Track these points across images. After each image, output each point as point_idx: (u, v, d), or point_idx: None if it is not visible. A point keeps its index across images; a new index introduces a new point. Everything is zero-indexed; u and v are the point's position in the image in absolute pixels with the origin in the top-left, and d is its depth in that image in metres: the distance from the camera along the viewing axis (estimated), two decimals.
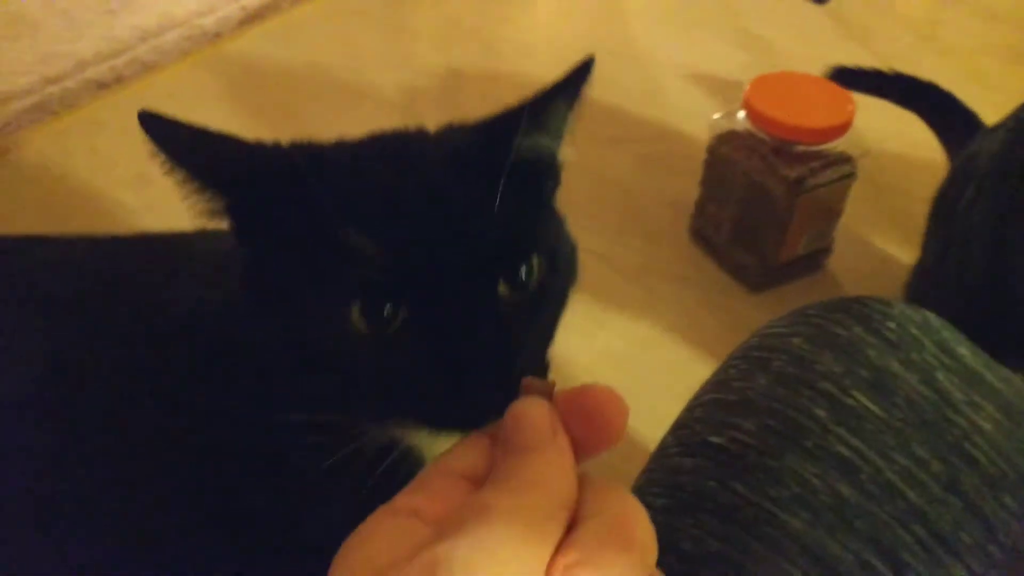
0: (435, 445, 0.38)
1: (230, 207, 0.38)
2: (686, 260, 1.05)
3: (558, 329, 0.45)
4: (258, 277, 0.39)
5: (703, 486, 0.44)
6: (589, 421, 0.28)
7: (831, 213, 0.97)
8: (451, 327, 0.34)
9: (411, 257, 0.35)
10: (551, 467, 0.26)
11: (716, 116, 0.97)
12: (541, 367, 0.40)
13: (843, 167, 0.92)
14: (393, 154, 0.42)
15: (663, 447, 0.50)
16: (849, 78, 1.06)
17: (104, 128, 1.21)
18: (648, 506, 0.45)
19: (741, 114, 0.93)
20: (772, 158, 0.90)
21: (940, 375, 0.46)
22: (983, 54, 1.46)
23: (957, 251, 0.78)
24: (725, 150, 0.95)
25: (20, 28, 1.27)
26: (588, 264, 1.05)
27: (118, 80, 1.36)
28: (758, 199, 0.93)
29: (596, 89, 1.48)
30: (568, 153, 0.49)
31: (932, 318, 0.50)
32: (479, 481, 0.27)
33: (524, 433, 0.27)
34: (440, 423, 0.36)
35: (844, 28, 1.52)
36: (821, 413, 0.44)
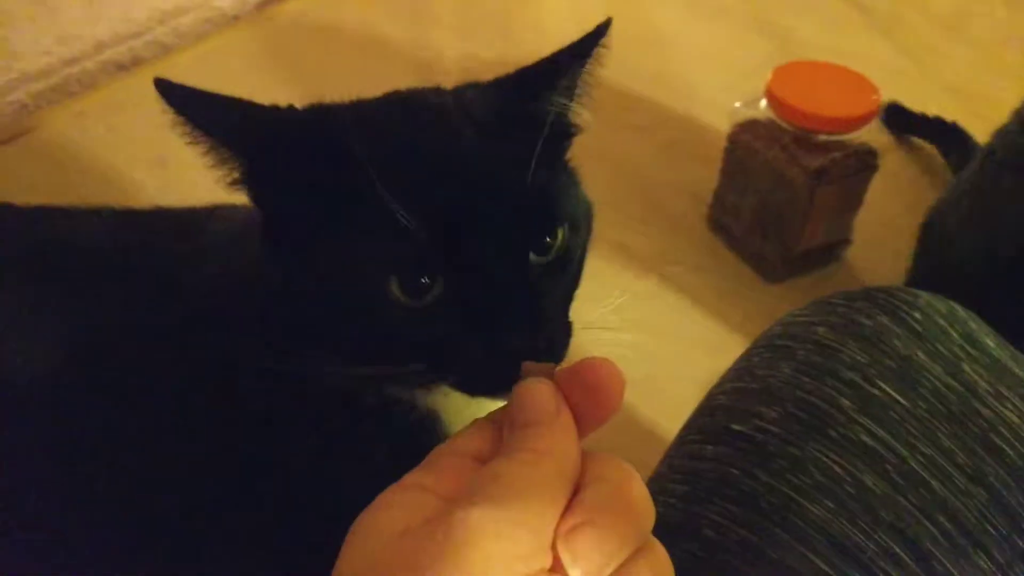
0: (464, 411, 0.40)
1: (253, 173, 0.38)
2: (704, 249, 1.05)
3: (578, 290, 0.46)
4: (284, 246, 0.39)
5: (725, 473, 0.44)
6: (589, 394, 0.29)
7: (851, 204, 0.96)
8: (488, 298, 0.35)
9: (450, 231, 0.35)
10: (556, 439, 0.27)
11: (737, 104, 0.96)
12: (566, 327, 0.41)
13: (865, 158, 0.91)
14: (421, 116, 0.41)
15: (684, 434, 0.50)
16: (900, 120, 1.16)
17: (122, 109, 1.21)
18: (668, 493, 0.45)
19: (763, 103, 0.92)
20: (793, 148, 0.89)
21: (966, 366, 0.45)
22: (1008, 46, 1.45)
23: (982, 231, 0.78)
24: (746, 139, 0.94)
25: (39, 9, 1.27)
26: (606, 253, 1.06)
27: (136, 62, 1.36)
28: (778, 188, 0.92)
29: (615, 75, 1.47)
30: (582, 115, 0.49)
31: (958, 309, 0.50)
32: (486, 461, 0.28)
33: (530, 410, 0.28)
34: (478, 389, 0.37)
35: (868, 18, 1.50)
36: (846, 402, 0.44)
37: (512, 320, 0.35)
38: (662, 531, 0.28)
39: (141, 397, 0.43)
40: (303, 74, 1.35)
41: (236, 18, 1.49)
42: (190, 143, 0.37)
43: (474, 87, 0.45)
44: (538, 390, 0.29)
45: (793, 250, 0.96)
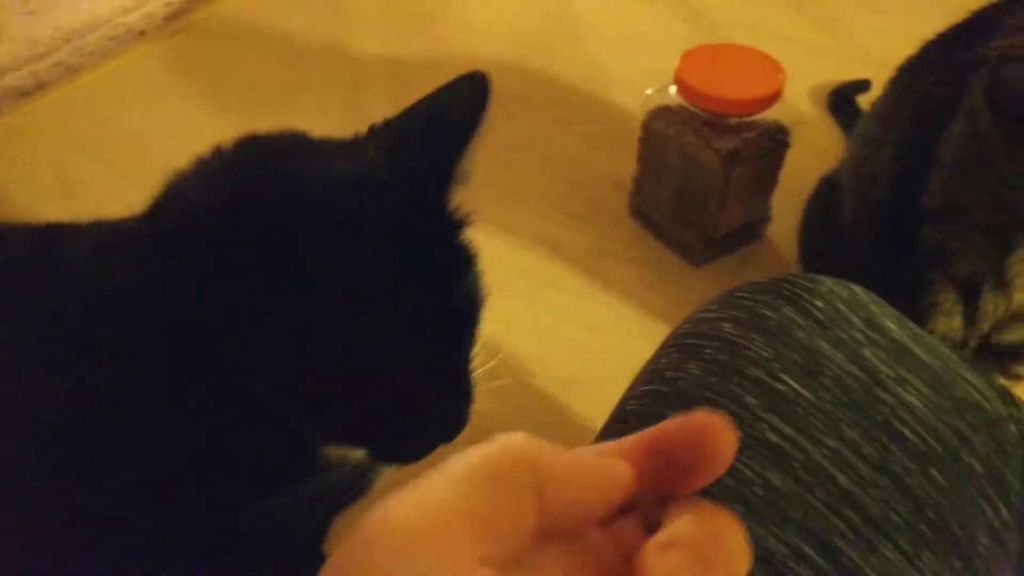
0: None
1: None
2: (631, 239, 1.05)
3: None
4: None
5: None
6: (696, 448, 0.26)
7: (767, 183, 0.97)
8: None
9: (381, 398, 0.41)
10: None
11: (648, 92, 0.96)
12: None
13: (777, 136, 0.92)
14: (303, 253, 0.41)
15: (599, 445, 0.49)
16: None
17: (25, 138, 1.16)
18: None
19: (672, 89, 0.92)
20: (705, 132, 0.90)
21: (867, 352, 0.46)
22: (923, 15, 1.47)
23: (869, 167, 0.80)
24: (659, 126, 0.94)
25: None
26: (537, 251, 1.05)
27: (40, 86, 1.31)
28: (694, 174, 0.92)
29: (540, 69, 1.47)
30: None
31: (859, 292, 0.50)
32: None
33: None
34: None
35: None
36: (752, 400, 0.44)
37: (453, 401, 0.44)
38: None
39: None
40: (219, 87, 1.32)
41: (143, 33, 1.44)
42: None
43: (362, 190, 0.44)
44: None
45: (714, 234, 0.96)
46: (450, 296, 0.44)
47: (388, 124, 0.47)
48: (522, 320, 0.95)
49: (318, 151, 0.46)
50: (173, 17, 1.47)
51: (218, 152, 0.45)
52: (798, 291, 0.50)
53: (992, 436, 0.44)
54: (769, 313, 0.48)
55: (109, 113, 1.26)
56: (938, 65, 0.70)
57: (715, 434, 0.25)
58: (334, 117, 1.23)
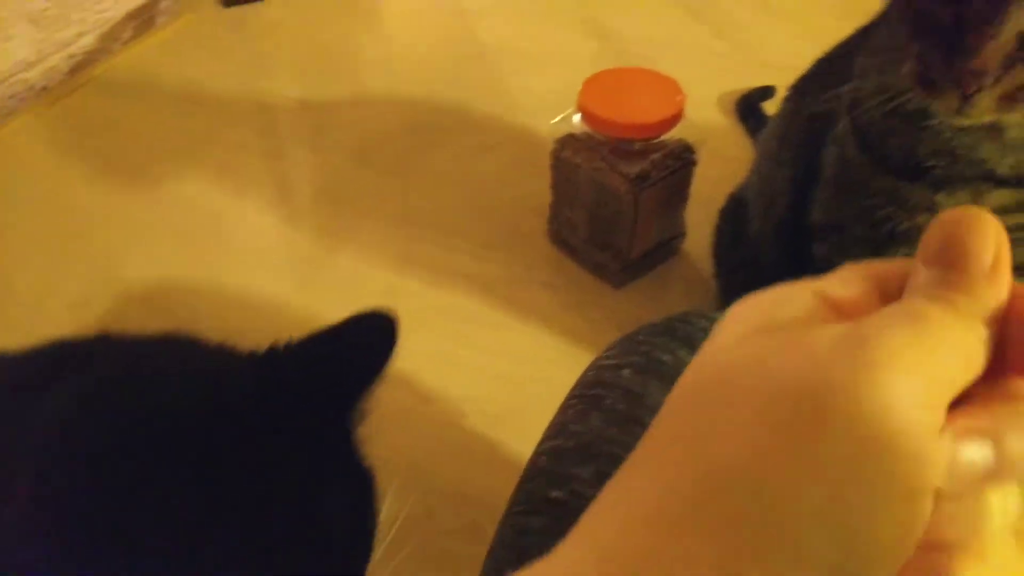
0: None
1: None
2: (550, 265, 1.06)
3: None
4: None
5: (548, 548, 0.44)
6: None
7: (677, 201, 0.98)
8: None
9: None
10: (986, 298, 0.22)
11: (554, 120, 0.97)
12: None
13: (683, 155, 0.94)
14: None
15: (512, 503, 0.49)
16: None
17: None
18: (499, 572, 0.45)
19: (577, 117, 0.93)
20: (612, 157, 0.91)
21: None
22: (817, 13, 1.51)
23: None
24: (567, 153, 0.95)
25: None
26: (456, 285, 1.05)
27: None
28: (604, 199, 0.94)
29: (452, 99, 1.46)
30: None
31: None
32: (888, 296, 0.24)
33: (967, 254, 0.22)
34: None
35: (683, 6, 1.55)
36: None
37: None
38: None
39: None
40: (127, 143, 1.29)
41: (46, 89, 1.41)
42: None
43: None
44: (980, 240, 0.22)
45: (630, 255, 0.97)
46: (346, 523, 0.43)
47: (290, 352, 0.46)
48: (446, 358, 0.95)
49: (208, 377, 0.44)
50: (77, 70, 1.44)
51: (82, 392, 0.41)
52: (692, 331, 0.51)
53: None
54: (665, 357, 0.49)
55: (12, 173, 1.23)
56: (824, 84, 0.72)
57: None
58: (251, 166, 1.21)
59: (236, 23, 1.53)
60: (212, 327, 1.00)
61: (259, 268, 1.06)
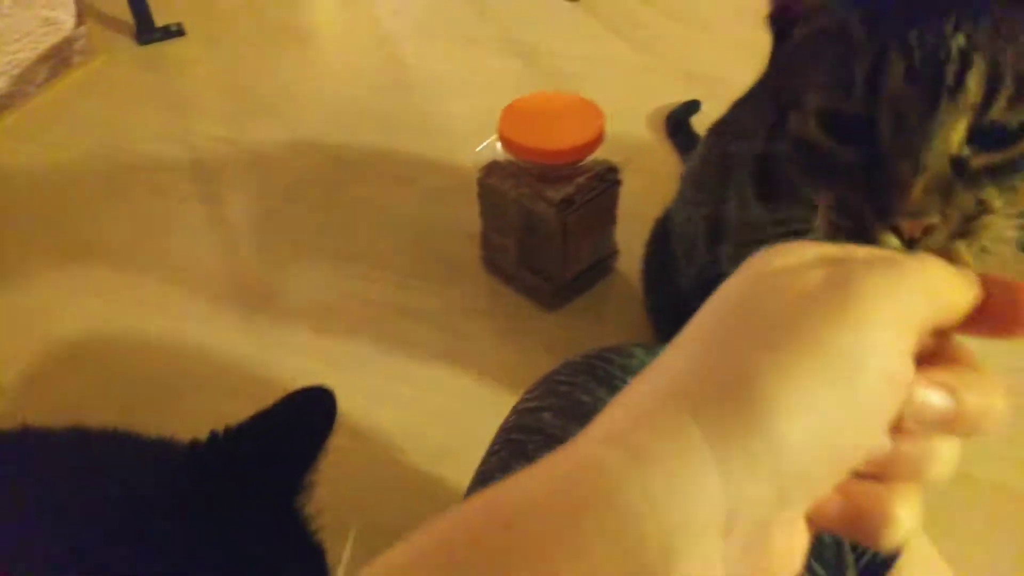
0: None
1: None
2: (484, 292, 1.05)
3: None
4: None
5: None
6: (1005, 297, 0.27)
7: (606, 221, 0.99)
8: None
9: None
10: (949, 274, 0.27)
11: (478, 148, 0.96)
12: None
13: (607, 176, 0.94)
14: None
15: None
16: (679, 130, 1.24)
17: None
18: None
19: (499, 145, 0.92)
20: (536, 183, 0.91)
21: None
22: (736, 23, 1.54)
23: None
24: (492, 181, 0.94)
25: None
26: (388, 318, 1.04)
27: None
28: (532, 224, 0.93)
29: (379, 128, 1.45)
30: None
31: None
32: None
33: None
34: None
35: (603, 22, 1.56)
36: None
37: None
38: None
39: None
40: (46, 189, 1.25)
41: None
42: None
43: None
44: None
45: (562, 278, 0.97)
46: None
47: (230, 437, 0.46)
48: (381, 395, 0.93)
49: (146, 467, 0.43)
50: None
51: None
52: (611, 369, 0.50)
53: None
54: (585, 398, 0.49)
55: None
56: (736, 129, 0.72)
57: None
58: (193, 213, 1.19)
59: (154, 61, 1.50)
60: (145, 377, 0.98)
61: (189, 315, 1.04)
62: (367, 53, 1.52)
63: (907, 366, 0.24)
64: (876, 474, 0.25)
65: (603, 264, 1.03)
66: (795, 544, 0.24)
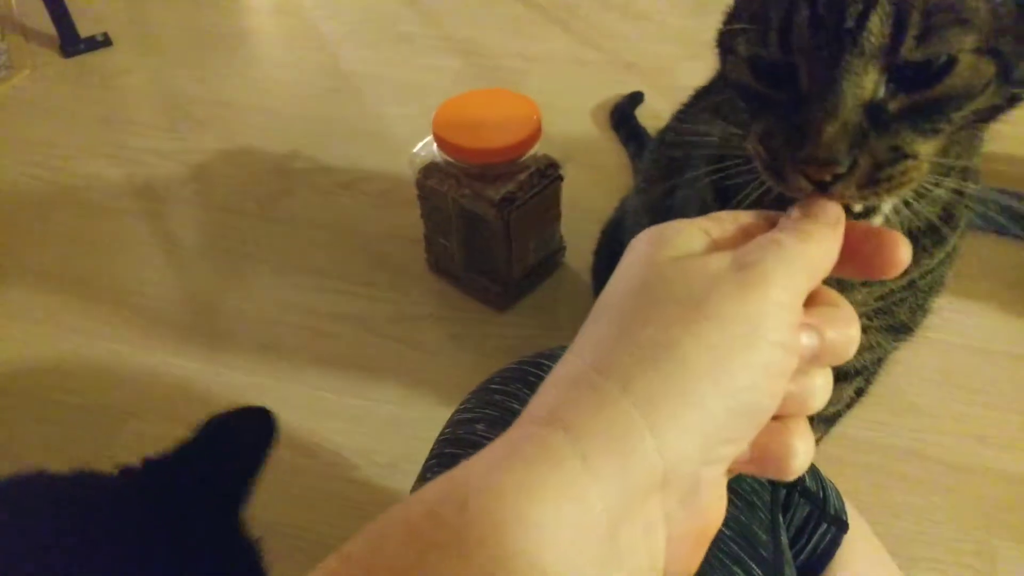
0: None
1: None
2: (431, 296, 1.03)
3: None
4: None
5: None
6: (870, 245, 0.31)
7: (550, 217, 0.97)
8: None
9: None
10: (827, 237, 0.30)
11: (415, 150, 0.94)
12: None
13: (548, 172, 0.93)
14: None
15: None
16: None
17: None
18: None
19: (435, 146, 0.90)
20: (476, 183, 0.89)
21: None
22: (672, 13, 1.53)
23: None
24: (431, 184, 0.92)
25: None
26: (335, 329, 1.01)
27: None
28: (474, 225, 0.92)
29: (319, 134, 1.42)
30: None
31: None
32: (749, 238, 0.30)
33: (814, 207, 0.32)
34: None
35: (544, 14, 1.55)
36: None
37: None
38: None
39: None
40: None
41: None
42: None
43: None
44: (828, 203, 0.32)
45: (510, 277, 0.96)
46: None
47: (165, 460, 0.45)
48: (334, 409, 0.91)
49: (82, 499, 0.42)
50: None
51: None
52: (543, 374, 0.49)
53: (735, 489, 0.45)
54: (517, 406, 0.48)
55: None
56: (679, 136, 0.71)
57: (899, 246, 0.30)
58: (128, 231, 1.15)
59: (81, 74, 1.45)
60: (85, 405, 0.94)
61: (127, 337, 1.00)
62: (303, 58, 1.49)
63: (796, 336, 0.27)
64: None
65: (551, 260, 1.02)
66: (722, 494, 0.27)
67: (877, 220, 0.42)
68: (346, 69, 1.44)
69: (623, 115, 1.25)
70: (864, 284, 0.52)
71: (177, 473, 0.45)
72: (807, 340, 0.28)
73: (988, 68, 0.35)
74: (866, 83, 0.34)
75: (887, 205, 0.42)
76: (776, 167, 0.37)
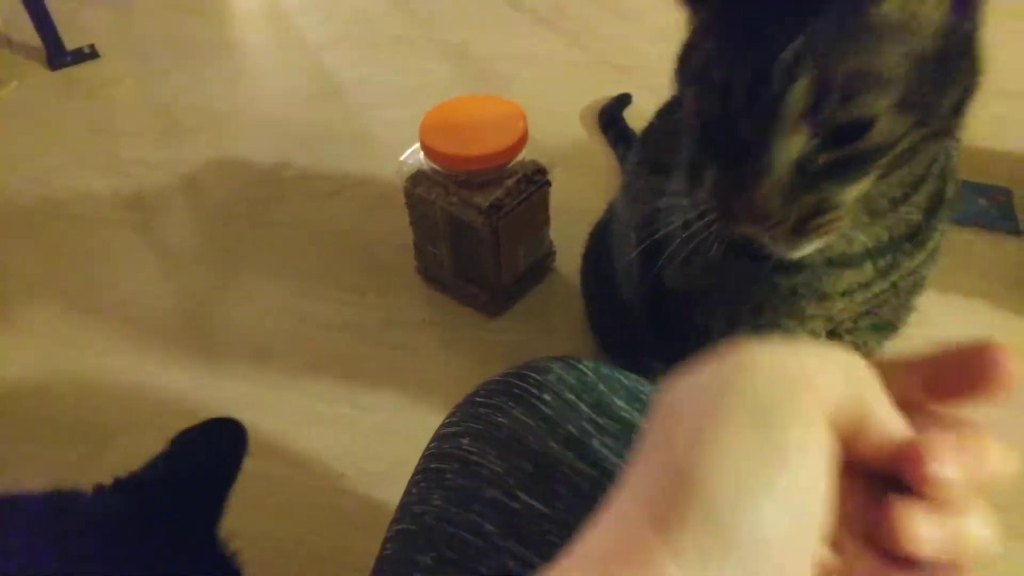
0: None
1: None
2: (422, 303, 1.03)
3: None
4: None
5: None
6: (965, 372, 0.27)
7: (538, 223, 0.97)
8: None
9: None
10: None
11: (402, 158, 0.94)
12: None
13: (535, 178, 0.92)
14: None
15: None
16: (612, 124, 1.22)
17: None
18: None
19: (422, 154, 0.90)
20: (463, 190, 0.89)
21: (596, 443, 0.45)
22: (658, 12, 1.53)
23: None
24: (419, 191, 0.92)
25: None
26: (326, 336, 1.01)
27: None
28: (462, 232, 0.92)
29: (309, 141, 1.41)
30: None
31: (589, 372, 0.50)
32: None
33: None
34: None
35: (530, 15, 1.54)
36: (491, 527, 0.42)
37: None
38: None
39: None
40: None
41: None
42: None
43: None
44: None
45: (500, 284, 0.96)
46: None
47: (136, 478, 0.46)
48: (324, 418, 0.91)
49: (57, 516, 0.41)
50: None
51: None
52: (528, 387, 0.49)
53: None
54: (502, 420, 0.47)
55: None
56: (656, 151, 0.71)
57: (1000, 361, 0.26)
58: (118, 242, 1.14)
59: (70, 85, 1.44)
60: (75, 420, 0.94)
61: (118, 350, 1.00)
62: (293, 64, 1.48)
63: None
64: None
65: (541, 265, 1.02)
66: None
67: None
68: (334, 75, 1.44)
69: (612, 117, 1.25)
70: (843, 294, 0.51)
71: (148, 490, 0.45)
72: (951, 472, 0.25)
73: (907, 120, 0.37)
74: (794, 144, 0.37)
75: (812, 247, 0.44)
76: (727, 208, 0.39)
